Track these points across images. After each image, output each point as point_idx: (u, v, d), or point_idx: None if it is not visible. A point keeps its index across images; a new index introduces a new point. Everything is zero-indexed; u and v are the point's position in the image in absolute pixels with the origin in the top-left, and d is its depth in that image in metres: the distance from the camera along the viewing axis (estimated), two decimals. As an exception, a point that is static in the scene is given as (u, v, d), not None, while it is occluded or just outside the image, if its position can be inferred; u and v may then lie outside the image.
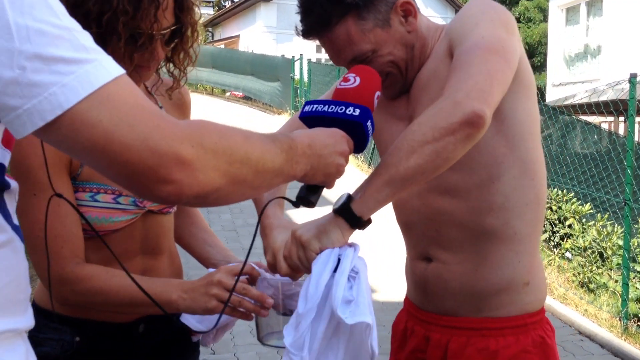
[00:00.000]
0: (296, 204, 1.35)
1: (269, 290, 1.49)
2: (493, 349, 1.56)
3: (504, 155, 1.54)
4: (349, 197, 1.34)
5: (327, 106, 1.33)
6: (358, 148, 1.34)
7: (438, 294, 1.62)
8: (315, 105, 1.35)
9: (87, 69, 0.86)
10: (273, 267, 1.42)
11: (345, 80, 1.40)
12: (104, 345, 1.64)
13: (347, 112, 1.31)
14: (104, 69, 0.88)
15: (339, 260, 1.31)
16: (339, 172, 1.28)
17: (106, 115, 0.86)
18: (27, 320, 1.04)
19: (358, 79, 1.39)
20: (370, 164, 10.92)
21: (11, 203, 1.03)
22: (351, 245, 1.35)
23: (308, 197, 1.33)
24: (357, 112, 1.31)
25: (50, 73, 0.84)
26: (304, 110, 1.37)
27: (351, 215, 1.32)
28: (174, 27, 1.49)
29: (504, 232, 1.56)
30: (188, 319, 1.62)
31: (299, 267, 1.36)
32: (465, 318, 1.60)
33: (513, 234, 1.56)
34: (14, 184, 1.03)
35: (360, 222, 1.33)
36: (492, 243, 1.56)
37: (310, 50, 20.22)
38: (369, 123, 1.32)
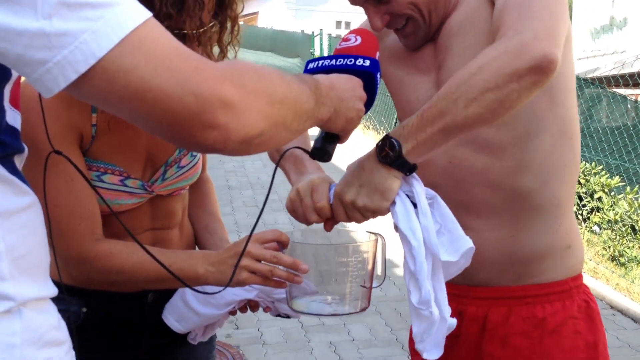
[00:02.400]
0: (313, 155, 1.27)
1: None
2: (540, 316, 1.46)
3: (544, 110, 1.41)
4: (399, 146, 1.24)
5: (334, 60, 1.27)
6: (367, 103, 1.26)
7: (471, 265, 1.51)
8: (321, 61, 1.29)
9: (115, 13, 0.79)
10: (302, 208, 1.34)
11: (346, 40, 1.35)
12: (111, 316, 1.56)
13: (357, 63, 1.26)
14: (133, 11, 0.81)
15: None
16: (358, 117, 1.22)
17: (141, 60, 0.80)
18: (53, 288, 1.00)
19: (359, 38, 1.33)
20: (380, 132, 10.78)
21: (20, 168, 0.98)
22: (406, 180, 1.29)
23: (325, 147, 1.26)
24: (368, 62, 1.26)
25: (78, 20, 0.77)
26: (308, 67, 1.29)
27: (406, 164, 1.25)
28: (214, 24, 1.42)
29: (543, 195, 1.44)
30: (167, 318, 1.56)
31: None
32: (504, 287, 1.49)
33: (552, 196, 1.45)
34: (26, 149, 0.98)
35: (414, 170, 1.27)
36: (530, 206, 1.45)
37: (330, 26, 20.05)
38: (378, 75, 1.27)
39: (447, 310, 1.30)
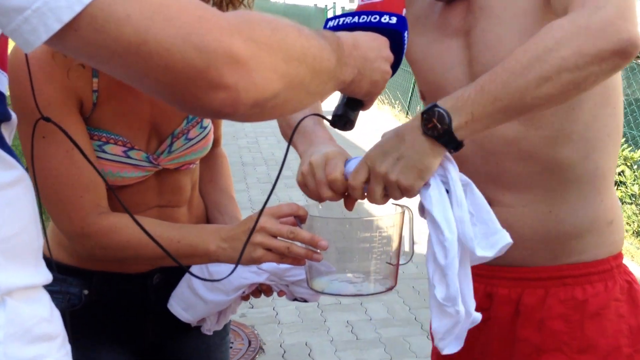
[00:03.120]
0: (334, 123, 1.16)
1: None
2: (581, 298, 1.33)
3: None
4: (450, 119, 1.10)
5: (357, 17, 1.14)
6: (393, 65, 1.13)
7: None
8: (342, 18, 1.15)
9: None
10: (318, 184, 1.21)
11: None
12: (115, 299, 1.46)
13: (383, 20, 1.12)
14: None
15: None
16: (384, 80, 1.09)
17: (135, 7, 0.70)
18: (46, 274, 0.89)
19: None
20: (407, 113, 10.61)
21: (10, 138, 0.87)
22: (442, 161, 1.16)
23: (347, 114, 1.14)
24: (394, 20, 1.12)
25: None
26: (328, 26, 1.15)
27: (451, 140, 1.11)
28: None
29: (584, 167, 1.32)
30: (174, 307, 1.45)
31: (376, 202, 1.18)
32: (539, 267, 1.37)
33: (595, 168, 1.32)
34: (14, 116, 0.86)
35: (460, 147, 1.13)
36: (569, 179, 1.32)
37: None
38: (406, 34, 1.13)
39: (472, 304, 1.19)
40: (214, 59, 0.72)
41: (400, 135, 1.16)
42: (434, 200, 1.14)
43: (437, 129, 1.10)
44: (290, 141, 1.25)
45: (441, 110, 1.10)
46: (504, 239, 1.15)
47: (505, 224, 1.34)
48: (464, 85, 1.36)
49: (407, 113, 10.63)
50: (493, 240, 1.15)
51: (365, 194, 1.19)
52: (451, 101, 1.11)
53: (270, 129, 9.82)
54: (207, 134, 1.50)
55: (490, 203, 1.29)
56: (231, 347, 3.75)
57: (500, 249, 1.15)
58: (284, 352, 3.83)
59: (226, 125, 11.57)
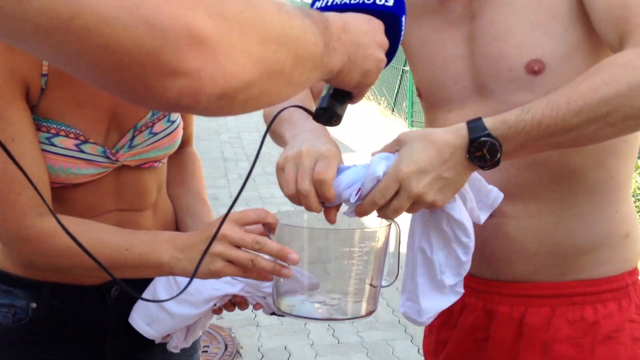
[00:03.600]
0: (318, 117, 1.02)
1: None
2: (591, 319, 1.20)
3: None
4: (501, 151, 1.02)
5: None
6: (388, 53, 0.98)
7: (503, 258, 1.24)
8: None
9: None
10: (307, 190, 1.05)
11: None
12: (68, 313, 1.30)
13: (378, 1, 0.97)
14: None
15: None
16: (378, 69, 0.94)
17: None
18: None
19: None
20: (393, 110, 10.46)
21: None
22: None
23: (334, 107, 0.99)
24: (391, 1, 0.97)
25: None
26: (315, 5, 1.01)
27: (494, 162, 1.02)
28: None
29: (597, 175, 1.19)
30: (136, 321, 1.29)
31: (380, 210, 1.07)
32: (544, 283, 1.23)
33: (609, 177, 1.19)
34: None
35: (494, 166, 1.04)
36: (581, 189, 1.19)
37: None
38: (404, 19, 1.00)
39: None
40: (171, 38, 0.57)
41: (441, 153, 1.03)
42: (461, 207, 1.10)
43: (485, 159, 1.02)
44: (266, 132, 1.09)
45: (493, 142, 1.01)
46: (498, 196, 1.15)
47: (507, 238, 1.22)
48: (465, 81, 1.22)
49: (393, 110, 10.49)
50: (489, 202, 1.15)
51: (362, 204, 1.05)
52: (503, 128, 1.02)
53: (253, 124, 9.71)
54: (175, 129, 1.34)
55: (492, 214, 1.16)
56: (206, 352, 3.62)
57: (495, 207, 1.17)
58: (262, 356, 3.70)
59: (208, 120, 11.52)
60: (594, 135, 1.00)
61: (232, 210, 1.08)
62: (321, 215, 1.07)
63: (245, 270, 1.10)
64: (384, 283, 1.13)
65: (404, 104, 9.85)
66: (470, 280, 1.25)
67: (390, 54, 0.99)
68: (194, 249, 1.10)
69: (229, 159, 8.25)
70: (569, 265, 1.21)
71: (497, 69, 1.17)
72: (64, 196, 1.22)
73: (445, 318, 1.35)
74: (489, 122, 1.02)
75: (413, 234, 1.15)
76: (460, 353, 1.32)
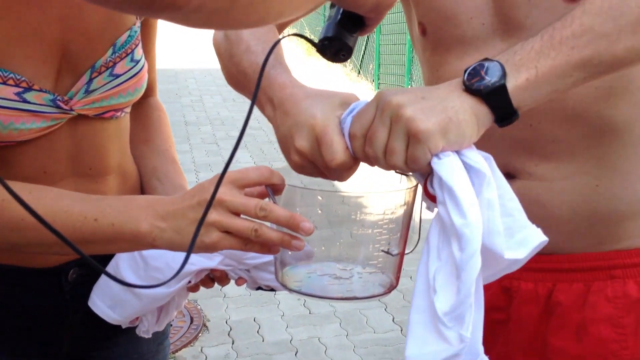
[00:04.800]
0: (323, 49, 0.89)
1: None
2: (636, 296, 1.02)
3: None
4: (504, 74, 0.81)
5: None
6: None
7: None
8: None
9: None
10: (309, 155, 0.88)
11: None
12: (17, 300, 1.12)
13: None
14: None
15: None
16: None
17: None
18: None
19: None
20: (359, 72, 10.27)
21: None
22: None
23: (342, 37, 0.85)
24: None
25: None
26: None
27: (505, 104, 0.82)
28: None
29: None
30: (97, 304, 1.10)
31: (379, 162, 0.84)
32: (577, 255, 1.06)
33: None
34: None
35: (511, 117, 0.83)
36: (625, 144, 1.02)
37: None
38: None
39: (479, 337, 0.82)
40: None
41: (430, 89, 0.84)
42: (452, 167, 0.80)
43: (484, 82, 0.81)
44: (262, 72, 0.88)
45: (493, 62, 0.82)
46: (537, 236, 0.82)
47: (537, 202, 1.04)
48: (484, 16, 1.02)
49: (359, 72, 10.31)
50: (521, 237, 0.82)
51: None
52: (506, 55, 0.84)
53: (215, 87, 9.58)
54: (140, 70, 1.14)
55: (516, 175, 0.98)
56: (171, 325, 3.44)
57: (532, 249, 0.82)
58: (230, 329, 3.57)
59: (168, 83, 11.38)
60: (635, 44, 0.82)
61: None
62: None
63: (247, 242, 0.90)
64: (407, 250, 0.94)
65: (371, 66, 9.69)
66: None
67: None
68: (180, 217, 0.89)
69: (191, 122, 8.15)
70: (608, 233, 1.04)
71: None
72: (7, 158, 1.01)
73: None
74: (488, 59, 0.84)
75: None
76: (475, 336, 1.13)
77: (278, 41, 0.91)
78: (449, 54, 1.08)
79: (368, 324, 3.61)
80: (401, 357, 3.28)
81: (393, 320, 3.62)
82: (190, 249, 0.83)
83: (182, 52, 13.24)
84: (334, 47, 0.86)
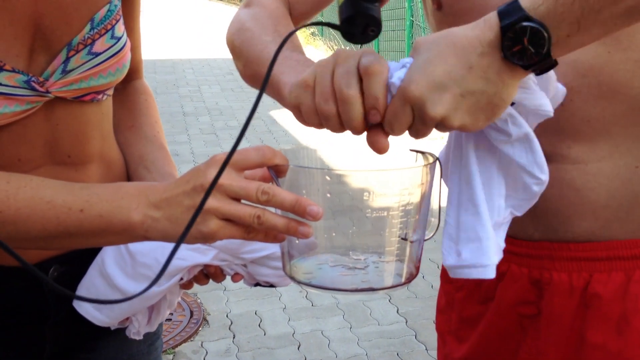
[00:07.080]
0: (347, 29, 0.79)
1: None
2: None
3: None
4: (549, 38, 0.73)
5: None
6: None
7: (561, 213, 0.98)
8: None
9: None
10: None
11: None
12: None
13: None
14: None
15: None
16: None
17: None
18: None
19: None
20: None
21: None
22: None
23: (366, 10, 0.76)
24: None
25: None
26: None
27: (547, 63, 0.75)
28: None
29: None
30: (82, 305, 1.04)
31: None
32: (617, 242, 0.96)
33: None
34: None
35: (551, 69, 0.77)
36: None
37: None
38: None
39: None
40: None
41: (464, 58, 0.75)
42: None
43: (528, 54, 0.73)
44: (278, 52, 0.78)
45: (535, 26, 0.73)
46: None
47: (570, 186, 0.96)
48: None
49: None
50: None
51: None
52: (547, 3, 0.73)
53: (213, 77, 9.52)
54: (122, 48, 1.04)
55: (548, 158, 0.88)
56: (170, 320, 3.40)
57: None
58: (231, 323, 3.51)
59: (166, 73, 11.32)
60: None
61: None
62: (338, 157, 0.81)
63: (249, 230, 0.81)
64: (427, 234, 0.86)
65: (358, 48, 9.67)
66: (510, 243, 0.97)
67: None
68: (175, 204, 0.80)
69: (189, 113, 8.09)
70: None
71: None
72: None
73: (472, 289, 1.08)
74: (526, 1, 0.74)
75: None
76: (501, 333, 1.05)
77: (294, 31, 0.83)
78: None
79: (372, 315, 3.54)
80: (406, 350, 3.20)
81: (398, 312, 3.55)
82: (181, 239, 0.73)
83: (180, 42, 13.16)
84: (359, 25, 0.78)
